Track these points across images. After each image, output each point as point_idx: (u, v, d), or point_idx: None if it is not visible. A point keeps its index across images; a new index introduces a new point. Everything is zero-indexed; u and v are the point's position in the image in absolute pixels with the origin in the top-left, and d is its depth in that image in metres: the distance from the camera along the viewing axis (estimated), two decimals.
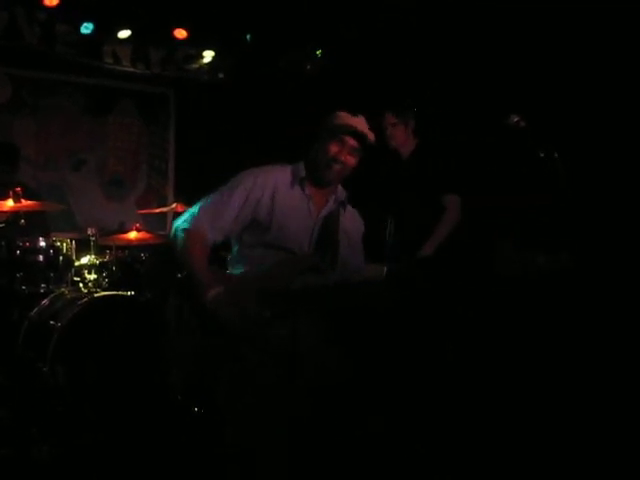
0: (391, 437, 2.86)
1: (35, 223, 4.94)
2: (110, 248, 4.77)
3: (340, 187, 2.83)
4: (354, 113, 2.68)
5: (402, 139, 3.94)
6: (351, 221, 2.87)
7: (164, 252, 3.04)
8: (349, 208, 2.88)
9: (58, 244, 4.55)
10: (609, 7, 3.48)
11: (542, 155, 2.47)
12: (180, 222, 2.78)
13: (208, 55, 6.07)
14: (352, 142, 2.65)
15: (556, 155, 2.44)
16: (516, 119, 2.60)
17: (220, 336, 2.67)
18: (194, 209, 2.82)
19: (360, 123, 2.67)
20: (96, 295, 4.35)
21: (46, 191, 5.96)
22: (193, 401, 4.49)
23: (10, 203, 4.39)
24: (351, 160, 2.67)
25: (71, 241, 4.65)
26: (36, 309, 4.41)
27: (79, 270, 4.65)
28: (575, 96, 3.66)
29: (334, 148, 2.65)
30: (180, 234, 2.73)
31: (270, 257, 2.68)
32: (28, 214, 4.71)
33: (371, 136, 2.68)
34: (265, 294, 2.56)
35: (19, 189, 4.40)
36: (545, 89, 3.77)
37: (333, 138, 2.65)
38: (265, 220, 2.69)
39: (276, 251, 2.69)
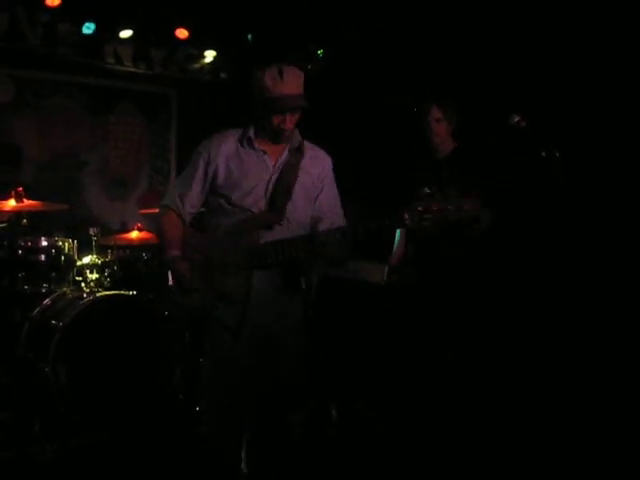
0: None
1: (39, 223, 4.96)
2: (112, 248, 4.77)
3: (296, 132, 2.87)
4: (281, 71, 2.76)
5: (444, 137, 3.76)
6: (312, 167, 2.88)
7: None
8: (310, 151, 2.91)
9: (60, 244, 4.56)
10: (609, 7, 3.48)
11: (543, 154, 2.47)
12: (163, 199, 3.03)
13: (210, 55, 6.08)
14: (292, 116, 2.76)
15: (557, 154, 2.44)
16: (517, 119, 2.61)
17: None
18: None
19: (292, 88, 2.75)
20: (98, 295, 4.36)
21: (49, 191, 5.96)
22: (196, 400, 4.52)
23: (12, 203, 4.40)
24: (294, 120, 2.78)
25: (73, 241, 4.66)
26: (38, 309, 4.41)
27: (81, 270, 4.65)
28: (576, 95, 3.65)
29: (277, 119, 2.75)
30: (161, 210, 3.01)
31: (231, 218, 2.82)
32: (32, 214, 4.74)
33: (303, 96, 2.77)
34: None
35: (21, 189, 4.41)
36: (546, 88, 3.76)
37: (274, 112, 2.74)
38: (224, 185, 2.85)
39: (236, 211, 2.82)
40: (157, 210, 5.56)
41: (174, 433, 4.15)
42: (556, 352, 3.68)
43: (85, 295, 4.38)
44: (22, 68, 5.96)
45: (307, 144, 2.91)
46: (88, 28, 5.43)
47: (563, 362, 3.66)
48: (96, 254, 4.68)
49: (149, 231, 5.03)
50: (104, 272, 4.66)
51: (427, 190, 2.41)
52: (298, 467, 3.72)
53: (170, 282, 2.90)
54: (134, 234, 4.93)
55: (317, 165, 2.90)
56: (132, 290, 4.51)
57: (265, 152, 2.85)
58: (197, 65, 6.21)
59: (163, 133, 6.80)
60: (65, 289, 4.55)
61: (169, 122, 6.83)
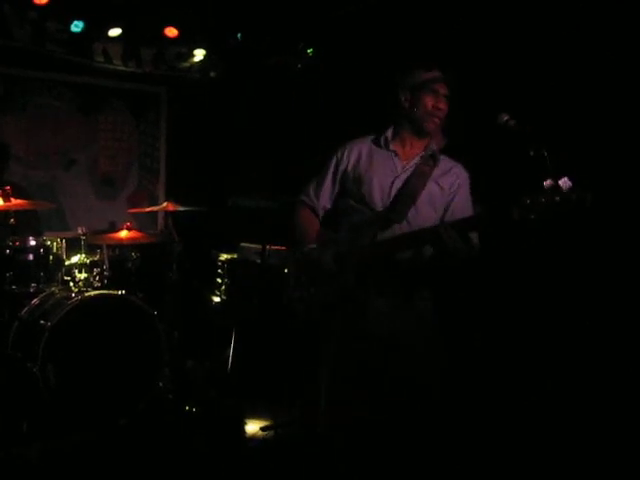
0: None
1: (27, 222, 4.93)
2: (100, 247, 4.75)
3: (437, 139, 2.87)
4: (427, 67, 2.83)
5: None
6: (444, 178, 2.83)
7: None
8: (444, 164, 2.86)
9: (48, 243, 4.54)
10: (601, 5, 3.48)
11: (532, 154, 2.47)
12: (300, 195, 3.11)
13: (199, 54, 6.05)
14: (443, 90, 2.79)
15: (546, 154, 2.44)
16: (506, 118, 2.60)
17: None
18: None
19: (438, 72, 2.82)
20: (86, 294, 4.34)
21: (37, 190, 5.94)
22: (185, 400, 4.52)
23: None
24: (445, 107, 2.80)
25: (61, 240, 4.64)
26: (26, 308, 4.40)
27: (69, 269, 4.63)
28: (565, 94, 3.66)
29: (430, 100, 2.77)
30: (296, 205, 3.09)
31: (356, 216, 2.85)
32: (19, 213, 4.70)
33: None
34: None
35: (9, 188, 4.38)
36: (534, 87, 3.77)
37: (426, 91, 2.77)
38: (351, 183, 2.89)
39: (360, 209, 2.84)
40: (146, 209, 5.68)
41: (162, 433, 4.14)
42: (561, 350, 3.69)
43: (74, 295, 4.36)
44: (10, 66, 5.92)
45: (443, 157, 2.88)
46: (77, 26, 5.39)
47: (564, 361, 3.67)
48: (85, 253, 4.65)
49: (138, 231, 5.01)
50: (93, 272, 4.64)
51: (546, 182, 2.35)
52: (290, 465, 3.75)
53: (291, 277, 2.92)
54: (123, 233, 4.90)
55: (450, 176, 2.85)
56: (121, 289, 4.49)
57: (397, 154, 2.86)
58: (187, 64, 6.18)
59: (152, 132, 6.78)
60: (54, 289, 4.53)
61: (158, 121, 6.80)
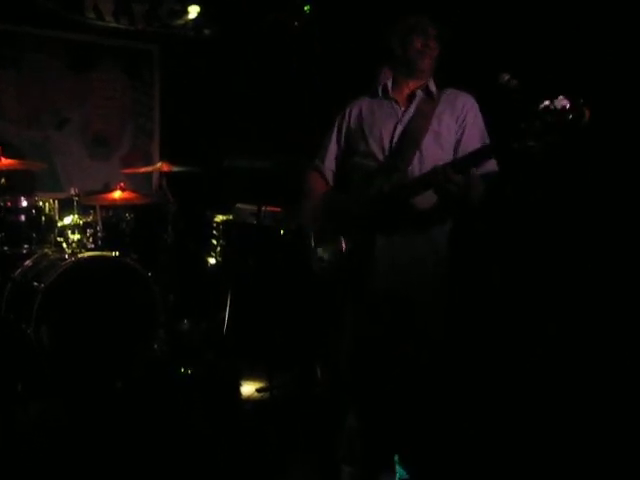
0: None
1: (20, 182, 4.88)
2: (94, 208, 4.70)
3: (432, 80, 2.81)
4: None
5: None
6: (447, 112, 2.74)
7: None
8: (447, 96, 2.79)
9: (40, 204, 4.50)
10: None
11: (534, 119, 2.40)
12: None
13: (193, 10, 5.92)
14: (432, 30, 2.76)
15: (549, 119, 2.37)
16: (507, 77, 2.54)
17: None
18: None
19: (426, 17, 2.80)
20: (80, 256, 4.32)
21: (30, 150, 5.86)
22: (180, 362, 4.52)
23: None
24: (435, 45, 2.76)
25: (54, 201, 4.59)
26: (19, 270, 4.38)
27: (62, 230, 4.59)
28: (570, 51, 3.58)
29: (419, 40, 2.74)
30: (307, 170, 3.04)
31: (362, 169, 2.79)
32: (12, 173, 4.65)
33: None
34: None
35: None
36: (537, 44, 3.69)
37: (415, 33, 2.75)
38: (354, 137, 2.86)
39: (364, 163, 2.79)
40: (141, 169, 5.61)
41: (158, 395, 4.14)
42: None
43: (67, 256, 4.34)
44: (0, 21, 5.79)
45: (447, 90, 2.81)
46: None
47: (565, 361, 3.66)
48: (78, 214, 4.60)
49: (132, 191, 4.95)
50: (86, 233, 4.60)
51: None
52: (286, 426, 3.77)
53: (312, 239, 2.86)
54: (117, 194, 4.85)
55: (454, 108, 2.75)
56: (115, 251, 4.46)
57: (397, 101, 2.81)
58: (180, 21, 6.06)
59: (146, 91, 6.67)
60: (46, 250, 4.50)
61: (152, 80, 6.69)
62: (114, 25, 5.85)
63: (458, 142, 2.72)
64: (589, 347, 3.44)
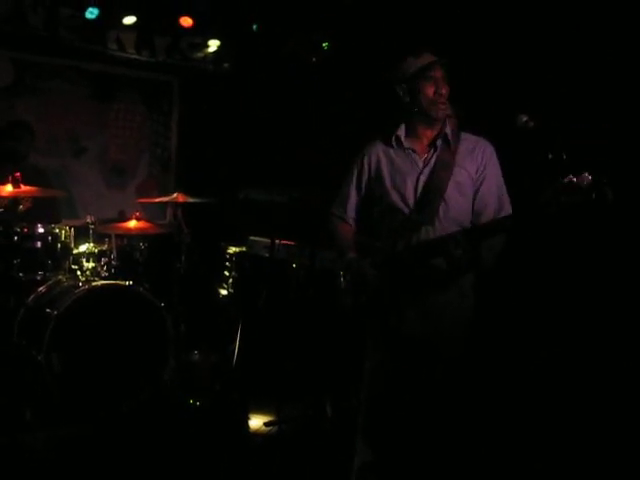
0: None
1: (44, 209, 4.93)
2: (109, 236, 4.73)
3: (447, 123, 2.78)
4: (415, 54, 2.75)
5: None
6: (468, 160, 2.73)
7: None
8: (466, 143, 2.76)
9: (57, 231, 4.52)
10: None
11: (550, 156, 2.42)
12: (332, 207, 3.07)
13: (213, 44, 6.02)
14: (439, 73, 2.70)
15: (564, 157, 2.39)
16: (525, 119, 2.55)
17: None
18: None
19: (430, 56, 2.73)
20: (94, 284, 4.32)
21: (48, 177, 5.90)
22: (189, 393, 4.50)
23: (9, 188, 4.34)
24: (447, 89, 2.71)
25: (70, 228, 4.62)
26: (33, 296, 4.38)
27: (77, 258, 4.61)
28: (585, 96, 3.60)
29: (430, 88, 2.69)
30: (329, 217, 3.06)
31: (387, 222, 2.79)
32: (38, 199, 4.70)
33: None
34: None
35: (18, 174, 4.35)
36: (553, 88, 3.71)
37: (423, 80, 2.69)
38: (378, 191, 2.83)
39: (390, 214, 2.78)
40: (156, 199, 5.65)
41: (166, 425, 4.12)
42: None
43: (81, 284, 4.34)
44: (23, 51, 5.90)
45: (464, 135, 2.79)
46: (91, 13, 5.36)
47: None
48: (93, 242, 4.63)
49: (147, 221, 4.98)
50: (100, 261, 4.62)
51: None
52: (293, 461, 3.73)
53: (342, 284, 2.85)
54: (132, 223, 4.87)
55: (474, 157, 2.74)
56: (128, 280, 4.47)
57: (414, 150, 2.77)
58: (200, 54, 6.15)
59: (164, 122, 6.76)
60: (61, 277, 4.51)
61: (171, 111, 6.78)
62: (135, 57, 5.93)
63: (476, 191, 2.73)
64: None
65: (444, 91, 2.69)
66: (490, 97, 3.88)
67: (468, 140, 2.78)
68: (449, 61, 2.70)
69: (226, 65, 6.31)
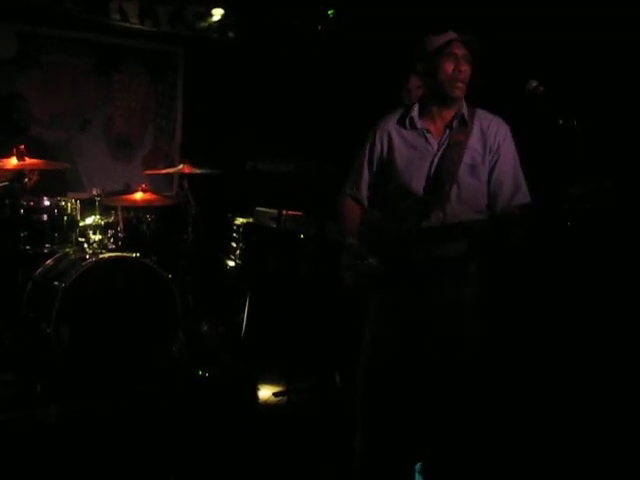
0: None
1: (51, 181, 4.92)
2: (115, 209, 4.71)
3: (463, 103, 2.67)
4: (441, 31, 2.62)
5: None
6: (481, 141, 2.65)
7: None
8: (479, 122, 2.67)
9: (62, 204, 4.52)
10: None
11: (561, 122, 2.38)
12: (344, 186, 2.94)
13: (217, 13, 5.95)
14: (461, 51, 2.59)
15: (575, 122, 2.35)
16: (535, 84, 2.50)
17: None
18: None
19: (452, 34, 2.61)
20: (101, 256, 4.32)
21: (52, 149, 5.89)
22: (198, 364, 4.51)
23: (14, 161, 4.32)
24: (468, 68, 2.60)
25: (76, 201, 4.61)
26: (40, 269, 4.39)
27: (84, 231, 4.60)
28: (596, 60, 3.54)
29: (450, 65, 2.58)
30: (340, 195, 2.93)
31: (398, 203, 2.70)
32: (44, 172, 4.69)
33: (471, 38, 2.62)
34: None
35: (23, 147, 4.33)
36: (564, 53, 3.65)
37: (443, 56, 2.58)
38: (390, 171, 2.73)
39: (402, 195, 2.69)
40: (162, 171, 5.63)
41: (175, 397, 4.13)
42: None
43: (88, 256, 4.34)
44: (26, 23, 5.83)
45: (479, 113, 2.70)
46: None
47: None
48: (99, 215, 4.61)
49: (153, 192, 4.96)
50: (107, 233, 4.60)
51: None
52: (302, 431, 3.74)
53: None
54: (138, 195, 4.85)
55: (488, 136, 2.65)
56: (135, 252, 4.46)
57: (429, 131, 2.68)
58: (205, 23, 6.08)
59: (169, 92, 6.70)
60: (68, 250, 4.51)
61: (175, 81, 6.72)
62: (138, 27, 5.88)
63: (492, 170, 2.65)
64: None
65: (464, 68, 2.58)
66: (498, 62, 3.82)
67: (483, 119, 2.69)
68: (472, 38, 2.58)
69: (231, 34, 6.24)
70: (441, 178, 2.61)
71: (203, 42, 6.33)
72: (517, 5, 3.91)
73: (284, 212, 4.69)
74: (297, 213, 4.78)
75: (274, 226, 4.77)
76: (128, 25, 5.84)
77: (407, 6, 4.55)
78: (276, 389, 4.33)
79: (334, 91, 5.21)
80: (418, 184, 2.65)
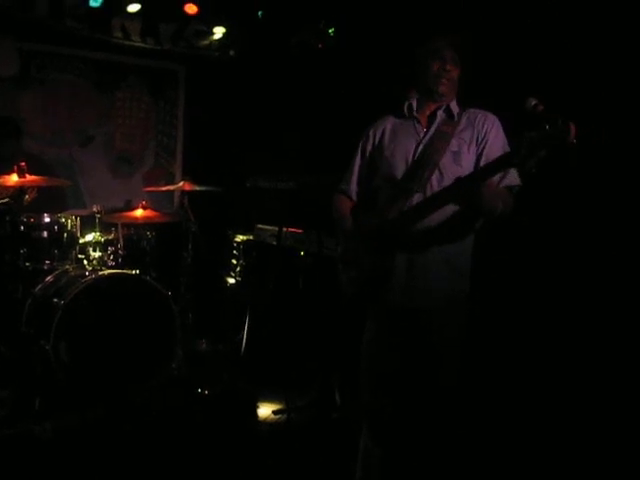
0: None
1: (50, 198, 4.93)
2: (116, 226, 4.72)
3: (455, 101, 2.83)
4: (447, 34, 2.82)
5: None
6: (467, 131, 2.76)
7: None
8: (468, 115, 2.80)
9: (63, 220, 4.52)
10: None
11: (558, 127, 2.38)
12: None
13: (219, 31, 5.97)
14: (450, 53, 2.77)
15: (574, 142, 2.35)
16: (534, 102, 2.50)
17: None
18: None
19: (441, 39, 2.80)
20: (100, 273, 4.32)
21: (53, 167, 5.90)
22: (197, 382, 4.50)
23: (14, 178, 4.33)
24: (454, 69, 2.77)
25: (76, 218, 4.62)
26: (40, 286, 4.39)
27: (84, 247, 4.61)
28: (596, 80, 3.56)
29: (436, 64, 2.76)
30: (335, 192, 3.05)
31: (384, 189, 2.80)
32: (43, 189, 4.69)
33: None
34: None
35: (23, 164, 4.34)
36: (565, 68, 3.67)
37: (432, 57, 2.78)
38: (379, 161, 2.86)
39: (388, 182, 2.79)
40: (162, 188, 5.64)
41: (174, 415, 4.12)
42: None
43: (87, 273, 4.34)
44: (29, 41, 5.87)
45: (469, 110, 2.83)
46: (95, 1, 5.32)
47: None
48: (100, 232, 4.62)
49: (154, 210, 4.97)
50: (107, 250, 4.61)
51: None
52: (302, 449, 3.73)
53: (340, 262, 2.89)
54: (138, 212, 4.86)
55: (474, 126, 2.77)
56: (135, 269, 4.46)
57: (418, 121, 2.83)
58: (206, 41, 6.11)
59: (170, 110, 6.72)
60: (67, 266, 4.51)
61: (177, 99, 6.75)
62: (140, 45, 5.90)
63: (480, 156, 2.73)
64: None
65: (449, 67, 2.75)
66: (497, 79, 3.84)
67: (471, 113, 2.82)
68: (461, 42, 2.76)
69: (232, 52, 6.27)
70: (422, 165, 2.71)
71: (204, 60, 6.36)
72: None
73: (284, 229, 4.69)
74: (297, 230, 4.78)
75: (274, 243, 4.78)
76: (130, 43, 5.86)
77: (406, 21, 4.58)
78: (276, 407, 4.31)
79: (335, 108, 5.23)
80: (400, 169, 2.76)
